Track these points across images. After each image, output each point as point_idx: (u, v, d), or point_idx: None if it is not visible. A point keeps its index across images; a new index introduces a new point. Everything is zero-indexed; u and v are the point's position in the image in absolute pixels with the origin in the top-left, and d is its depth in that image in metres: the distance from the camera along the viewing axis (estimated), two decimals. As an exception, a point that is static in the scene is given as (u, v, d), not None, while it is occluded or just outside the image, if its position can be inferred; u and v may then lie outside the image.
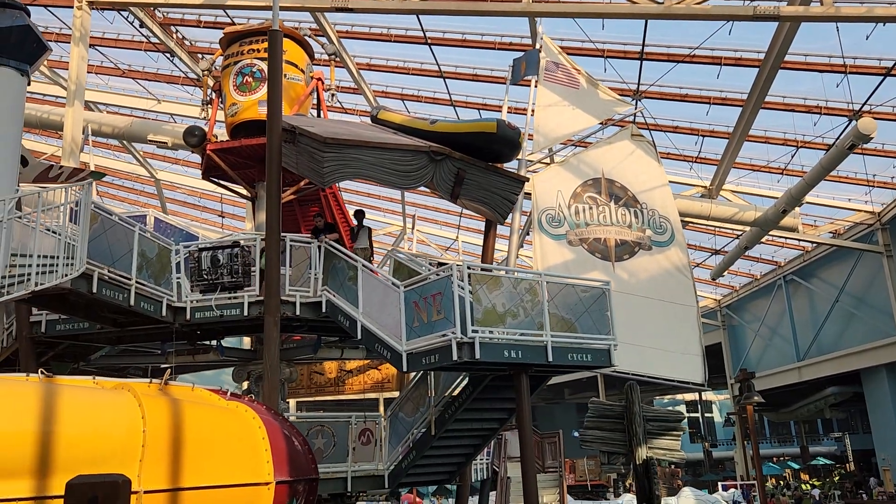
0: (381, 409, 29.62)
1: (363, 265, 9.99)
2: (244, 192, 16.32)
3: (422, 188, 20.33)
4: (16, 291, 7.24)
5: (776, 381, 32.44)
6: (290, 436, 6.97)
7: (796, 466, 41.86)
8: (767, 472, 40.31)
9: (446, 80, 23.46)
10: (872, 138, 17.48)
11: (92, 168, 18.51)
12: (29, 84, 8.51)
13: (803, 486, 35.98)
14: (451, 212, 34.18)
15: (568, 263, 16.08)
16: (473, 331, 8.15)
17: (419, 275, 10.97)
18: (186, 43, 24.26)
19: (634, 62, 20.62)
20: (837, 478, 39.34)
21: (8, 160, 8.03)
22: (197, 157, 34.42)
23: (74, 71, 19.17)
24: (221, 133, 16.97)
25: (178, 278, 10.38)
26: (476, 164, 11.15)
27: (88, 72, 22.05)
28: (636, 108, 17.84)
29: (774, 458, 48.40)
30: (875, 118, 18.40)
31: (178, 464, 5.51)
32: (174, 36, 23.27)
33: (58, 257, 7.60)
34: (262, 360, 13.90)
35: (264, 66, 15.10)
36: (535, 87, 17.03)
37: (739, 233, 28.71)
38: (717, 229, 28.98)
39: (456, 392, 10.37)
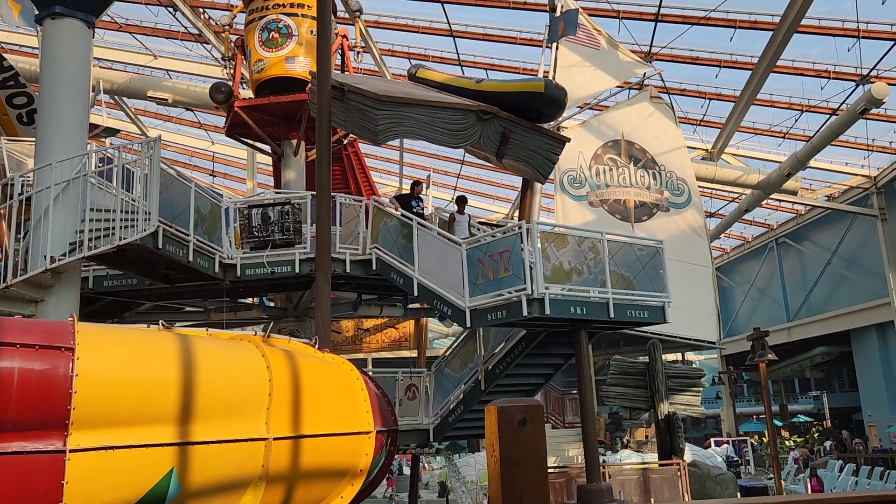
0: (370, 365, 29.83)
1: (418, 223, 10.07)
2: (267, 149, 16.21)
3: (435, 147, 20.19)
4: (102, 246, 7.23)
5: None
6: (377, 388, 7.14)
7: (779, 423, 43.28)
8: (751, 428, 41.60)
9: (456, 38, 23.28)
10: (885, 103, 17.81)
11: (104, 125, 18.17)
12: (93, 36, 8.35)
13: (787, 443, 37.25)
14: (449, 173, 34.18)
15: (589, 224, 16.29)
16: (544, 287, 8.33)
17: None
18: (189, -4, 23.67)
19: (648, 24, 20.63)
20: (817, 434, 40.75)
21: (79, 116, 7.93)
22: (190, 115, 33.83)
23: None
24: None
25: (230, 236, 10.38)
26: (521, 124, 11.21)
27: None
28: (655, 71, 17.87)
29: (754, 416, 49.90)
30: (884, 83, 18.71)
31: (297, 413, 5.66)
32: (177, -11, 22.69)
33: (137, 213, 7.58)
34: (291, 318, 14.05)
35: (291, 21, 14.92)
36: (556, 48, 17.03)
37: (735, 195, 29.17)
38: (713, 192, 29.41)
39: (505, 349, 10.58)
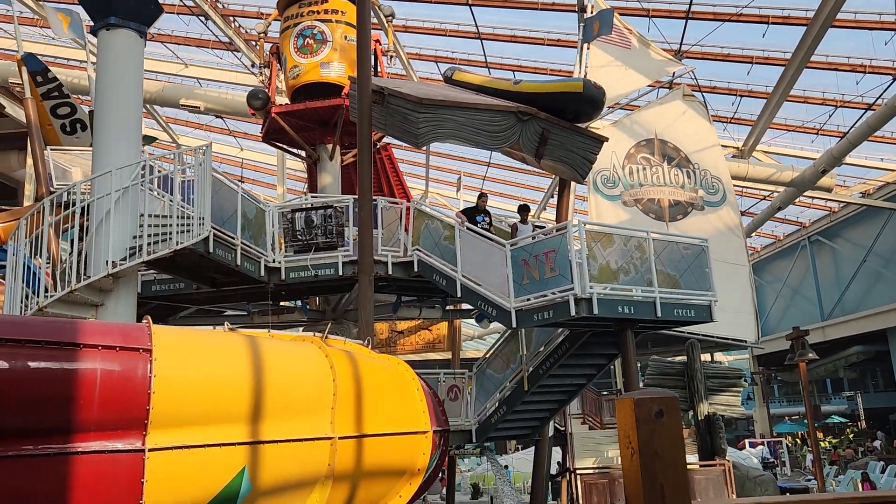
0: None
1: (460, 224, 10.14)
2: (303, 154, 16.39)
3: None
4: (160, 250, 7.40)
5: (798, 341, 32.90)
6: (429, 388, 7.20)
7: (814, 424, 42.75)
8: (785, 429, 41.12)
9: (483, 41, 23.34)
10: (924, 97, 17.55)
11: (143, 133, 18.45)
12: (144, 46, 8.53)
13: (821, 444, 36.70)
14: (474, 175, 34.23)
15: (623, 224, 16.24)
16: (591, 287, 8.35)
17: (506, 233, 11.17)
18: (219, 5, 24.01)
19: (678, 21, 20.53)
20: (852, 435, 40.12)
21: (134, 123, 8.10)
22: (219, 122, 34.23)
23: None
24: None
25: (272, 240, 10.53)
26: (560, 124, 11.23)
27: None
28: (687, 69, 17.78)
29: (786, 417, 49.30)
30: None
31: (360, 412, 5.74)
32: (209, -2, 23.03)
33: (190, 218, 7.73)
34: (330, 320, 14.18)
35: (325, 27, 15.08)
36: (588, 48, 17.02)
37: (766, 193, 28.88)
38: (743, 190, 29.12)
39: (549, 349, 10.59)
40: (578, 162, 11.62)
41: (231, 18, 24.50)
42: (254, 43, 23.75)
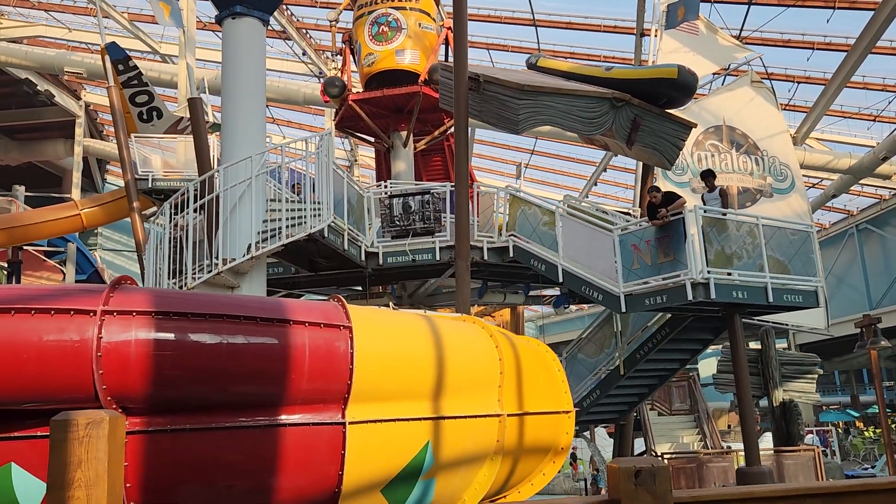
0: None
1: (560, 208, 10.23)
2: (372, 141, 16.53)
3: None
4: (297, 233, 7.59)
5: (843, 330, 32.58)
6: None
7: (856, 414, 42.42)
8: (832, 418, 40.94)
9: (538, 27, 23.33)
10: None
11: (212, 121, 18.74)
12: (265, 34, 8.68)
13: (866, 434, 36.52)
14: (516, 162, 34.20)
15: (693, 211, 16.23)
16: (708, 272, 8.42)
17: (598, 218, 11.22)
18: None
19: (740, 7, 20.40)
20: (894, 425, 39.81)
21: (259, 109, 8.27)
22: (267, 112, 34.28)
23: (184, 23, 19.17)
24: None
25: (370, 224, 10.68)
26: (651, 111, 11.24)
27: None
28: (756, 55, 17.66)
29: (824, 406, 48.98)
30: None
31: (520, 391, 5.88)
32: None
33: (321, 203, 7.90)
34: (406, 305, 14.35)
35: (399, 15, 15.17)
36: (658, 36, 16.98)
37: (816, 180, 28.63)
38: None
39: (647, 333, 10.67)
40: (668, 148, 11.64)
41: (283, 6, 24.62)
42: (307, 33, 23.86)
